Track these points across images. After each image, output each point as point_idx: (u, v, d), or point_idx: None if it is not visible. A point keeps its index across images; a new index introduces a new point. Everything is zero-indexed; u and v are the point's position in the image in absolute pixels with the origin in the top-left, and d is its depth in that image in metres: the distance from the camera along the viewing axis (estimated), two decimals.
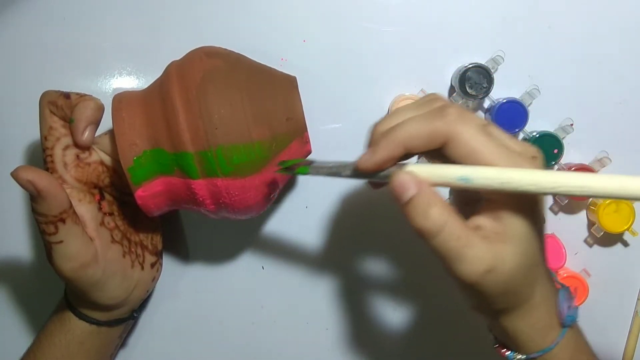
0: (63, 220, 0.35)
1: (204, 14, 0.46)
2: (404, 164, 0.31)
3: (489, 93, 0.44)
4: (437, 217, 0.29)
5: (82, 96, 0.37)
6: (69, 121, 0.37)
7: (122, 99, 0.37)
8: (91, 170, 0.39)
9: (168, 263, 0.48)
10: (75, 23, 0.46)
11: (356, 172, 0.32)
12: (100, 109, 0.38)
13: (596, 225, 0.45)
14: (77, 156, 0.38)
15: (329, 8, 0.46)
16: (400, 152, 0.30)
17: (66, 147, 0.38)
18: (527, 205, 0.30)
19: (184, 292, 0.48)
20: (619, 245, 0.48)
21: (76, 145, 0.38)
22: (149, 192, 0.37)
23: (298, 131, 0.38)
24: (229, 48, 0.39)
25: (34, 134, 0.46)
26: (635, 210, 0.45)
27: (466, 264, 0.29)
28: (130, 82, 0.46)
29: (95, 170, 0.39)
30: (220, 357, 0.49)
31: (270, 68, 0.39)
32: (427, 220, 0.29)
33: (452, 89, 0.46)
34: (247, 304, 0.48)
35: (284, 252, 0.48)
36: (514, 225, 0.30)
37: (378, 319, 0.48)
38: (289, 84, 0.39)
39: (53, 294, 0.43)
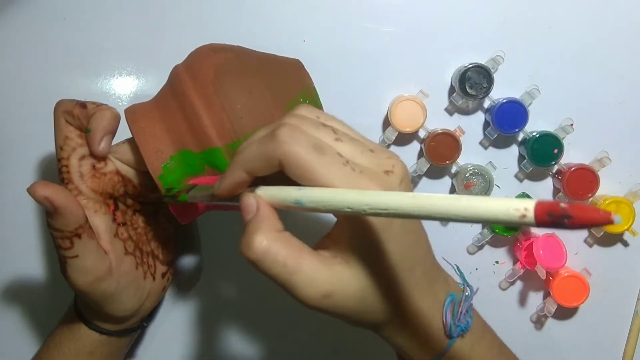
0: (79, 235, 0.34)
1: (204, 13, 0.46)
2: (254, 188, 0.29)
3: (489, 93, 0.44)
4: (257, 244, 0.27)
5: (98, 106, 0.37)
6: (85, 131, 0.37)
7: (135, 110, 0.37)
8: (107, 181, 0.38)
9: None
10: (76, 23, 0.46)
11: (215, 197, 0.31)
12: (117, 118, 0.37)
13: None
14: (93, 166, 0.38)
15: (329, 8, 0.46)
16: (244, 177, 0.29)
17: (82, 157, 0.37)
18: (372, 224, 0.28)
19: (182, 294, 0.48)
20: (619, 245, 0.48)
21: (92, 155, 0.37)
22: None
23: None
24: None
25: (34, 133, 0.46)
26: (635, 210, 0.45)
27: (299, 290, 0.28)
28: (130, 82, 0.46)
29: (111, 180, 0.38)
30: (220, 357, 0.49)
31: (274, 55, 0.39)
32: (249, 249, 0.27)
33: (452, 89, 0.46)
34: (248, 303, 0.48)
35: None
36: (356, 246, 0.28)
37: None
38: (296, 66, 0.39)
39: (59, 301, 0.43)
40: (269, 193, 0.29)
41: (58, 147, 0.37)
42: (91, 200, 0.37)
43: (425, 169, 0.45)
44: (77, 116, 0.37)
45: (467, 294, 0.33)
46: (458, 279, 0.35)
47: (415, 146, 0.47)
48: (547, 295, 0.47)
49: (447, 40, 0.46)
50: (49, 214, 0.34)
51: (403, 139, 0.47)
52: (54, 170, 0.46)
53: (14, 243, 0.48)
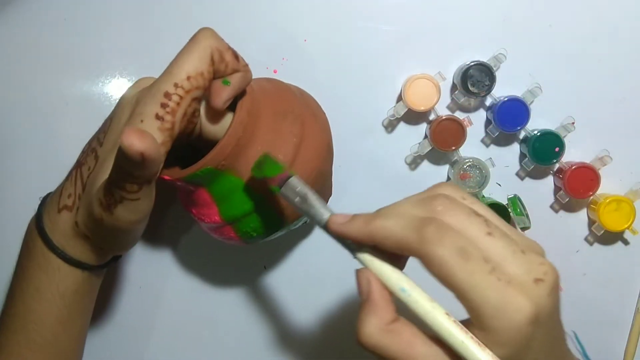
0: (150, 181, 0.32)
1: (204, 14, 0.46)
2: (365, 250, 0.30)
3: (490, 91, 0.44)
4: (368, 337, 0.28)
5: (246, 65, 0.36)
6: (223, 81, 0.35)
7: (257, 111, 0.36)
8: (187, 130, 0.36)
9: (169, 263, 0.48)
10: (76, 24, 0.46)
11: (325, 225, 0.32)
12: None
13: (597, 223, 0.45)
14: (194, 113, 0.35)
15: (330, 7, 0.46)
16: (367, 240, 0.30)
17: (195, 99, 0.34)
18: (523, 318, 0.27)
19: (184, 292, 0.48)
20: (620, 244, 0.48)
21: (210, 106, 0.35)
22: (183, 190, 0.38)
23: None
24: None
25: (34, 134, 0.46)
26: (635, 209, 0.45)
27: None
28: (130, 83, 0.46)
29: (186, 130, 0.36)
30: (221, 356, 0.49)
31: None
32: (361, 339, 0.28)
33: (454, 87, 0.46)
34: (249, 303, 0.48)
35: (285, 251, 0.48)
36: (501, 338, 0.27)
37: None
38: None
39: None
40: (377, 266, 0.30)
41: (184, 74, 0.33)
42: (170, 141, 0.34)
43: (426, 151, 0.45)
44: (227, 63, 0.35)
45: None
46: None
47: (423, 127, 0.47)
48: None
49: (449, 39, 0.46)
50: (133, 164, 0.30)
51: (411, 118, 0.46)
52: (54, 171, 0.46)
53: (13, 245, 0.48)
